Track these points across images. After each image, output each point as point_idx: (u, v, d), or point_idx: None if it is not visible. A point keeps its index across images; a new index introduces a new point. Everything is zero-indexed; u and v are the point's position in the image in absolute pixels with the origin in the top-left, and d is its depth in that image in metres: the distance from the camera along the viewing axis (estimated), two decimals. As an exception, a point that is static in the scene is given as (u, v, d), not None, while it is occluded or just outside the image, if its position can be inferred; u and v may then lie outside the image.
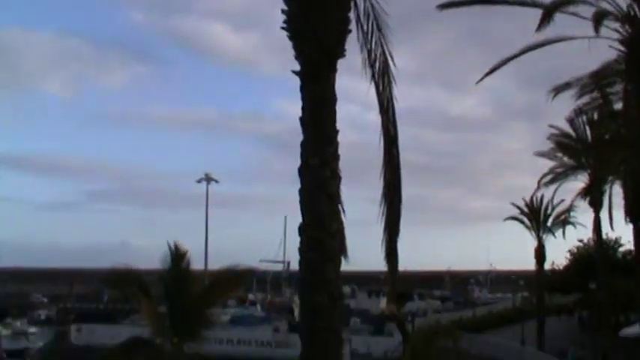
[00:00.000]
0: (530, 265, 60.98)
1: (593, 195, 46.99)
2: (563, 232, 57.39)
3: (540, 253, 57.74)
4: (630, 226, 37.43)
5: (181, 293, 17.57)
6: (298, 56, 12.07)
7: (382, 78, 12.62)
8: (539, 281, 59.31)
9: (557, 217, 56.91)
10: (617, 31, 26.30)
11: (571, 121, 44.66)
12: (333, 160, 11.98)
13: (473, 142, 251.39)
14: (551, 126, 48.55)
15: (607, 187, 46.64)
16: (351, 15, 12.46)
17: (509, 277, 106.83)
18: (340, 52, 12.11)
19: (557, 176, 51.43)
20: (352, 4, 12.59)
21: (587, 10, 25.50)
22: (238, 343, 54.39)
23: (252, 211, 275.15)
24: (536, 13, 25.15)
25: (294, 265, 14.17)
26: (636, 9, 25.43)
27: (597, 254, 49.42)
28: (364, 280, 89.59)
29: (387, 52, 12.65)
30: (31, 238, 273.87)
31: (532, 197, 57.16)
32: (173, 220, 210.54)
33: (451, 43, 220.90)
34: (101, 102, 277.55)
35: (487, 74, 27.84)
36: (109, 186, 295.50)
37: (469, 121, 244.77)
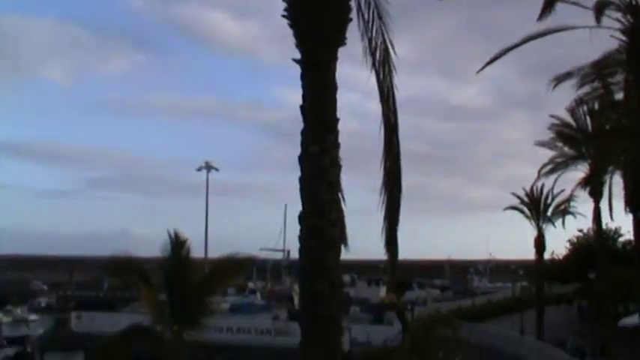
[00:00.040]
0: (529, 254, 61.12)
1: (594, 185, 47.01)
2: (563, 222, 57.51)
3: (540, 243, 57.76)
4: (630, 217, 37.53)
5: (181, 281, 17.60)
6: (299, 44, 12.04)
7: (383, 66, 12.58)
8: (539, 271, 59.36)
9: (557, 206, 56.90)
10: (618, 20, 26.31)
11: (572, 111, 44.69)
12: (333, 148, 11.97)
13: (473, 131, 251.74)
14: (551, 116, 48.57)
15: (607, 177, 46.67)
16: (352, 3, 12.43)
17: (509, 267, 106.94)
18: (341, 41, 12.09)
19: (557, 166, 51.45)
20: (353, -8, 12.54)
21: (589, 0, 25.49)
22: (238, 331, 54.55)
23: (252, 199, 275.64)
24: (538, 2, 25.12)
25: (294, 254, 14.15)
26: (638, -1, 25.41)
27: (597, 244, 49.48)
28: (364, 269, 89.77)
29: (387, 41, 12.61)
30: (31, 226, 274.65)
31: (532, 187, 57.20)
32: (173, 208, 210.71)
33: (452, 32, 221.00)
34: (101, 90, 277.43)
35: (488, 63, 27.82)
36: (109, 174, 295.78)
37: (470, 111, 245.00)
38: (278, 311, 60.77)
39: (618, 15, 26.30)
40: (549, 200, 57.04)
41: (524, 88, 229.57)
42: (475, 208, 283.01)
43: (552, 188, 55.85)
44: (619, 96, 32.08)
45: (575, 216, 56.57)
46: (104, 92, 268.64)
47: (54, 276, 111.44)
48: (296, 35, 12.06)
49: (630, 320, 44.11)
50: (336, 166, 12.04)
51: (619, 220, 54.69)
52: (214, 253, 47.53)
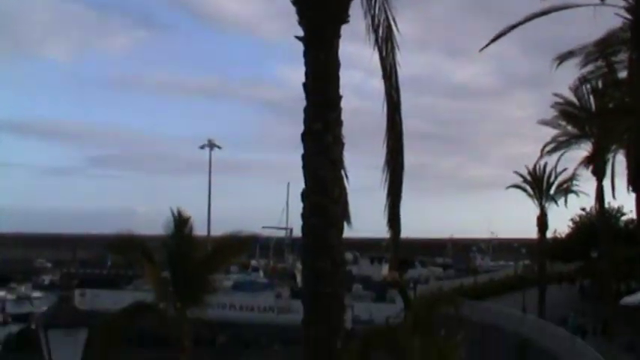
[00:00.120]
0: (532, 233, 61.09)
1: (596, 164, 46.96)
2: (566, 201, 57.45)
3: (542, 222, 57.72)
4: (633, 195, 37.39)
5: (184, 259, 17.67)
6: (302, 21, 11.97)
7: (385, 44, 12.51)
8: (541, 249, 59.39)
9: (560, 185, 56.84)
10: (623, -2, 26.11)
11: (575, 90, 44.50)
12: (336, 125, 11.94)
13: (476, 109, 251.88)
14: (555, 94, 48.45)
15: (610, 156, 46.65)
16: (356, -20, 12.35)
17: (512, 245, 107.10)
18: (344, 18, 12.02)
19: (560, 145, 51.40)
20: (356, -31, 12.46)
21: (594, -23, 25.32)
22: (241, 309, 54.82)
23: (255, 177, 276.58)
24: (542, -20, 24.94)
25: (297, 232, 14.20)
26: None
27: (599, 223, 49.53)
28: (367, 247, 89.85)
29: (390, 18, 12.53)
30: (34, 204, 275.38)
31: (535, 165, 57.09)
32: (176, 186, 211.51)
33: (456, 10, 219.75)
34: (102, 67, 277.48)
35: (491, 41, 27.72)
36: (112, 151, 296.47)
37: (473, 89, 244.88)
38: (281, 289, 60.90)
39: (623, -7, 26.14)
40: (552, 179, 56.97)
41: (527, 66, 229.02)
42: (478, 186, 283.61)
43: (555, 167, 55.86)
44: (622, 74, 31.96)
45: (577, 195, 56.62)
46: (105, 70, 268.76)
47: (57, 254, 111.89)
48: (299, 12, 11.98)
49: (632, 299, 44.15)
50: (338, 143, 12.01)
51: (621, 199, 54.66)
52: (217, 231, 47.47)
